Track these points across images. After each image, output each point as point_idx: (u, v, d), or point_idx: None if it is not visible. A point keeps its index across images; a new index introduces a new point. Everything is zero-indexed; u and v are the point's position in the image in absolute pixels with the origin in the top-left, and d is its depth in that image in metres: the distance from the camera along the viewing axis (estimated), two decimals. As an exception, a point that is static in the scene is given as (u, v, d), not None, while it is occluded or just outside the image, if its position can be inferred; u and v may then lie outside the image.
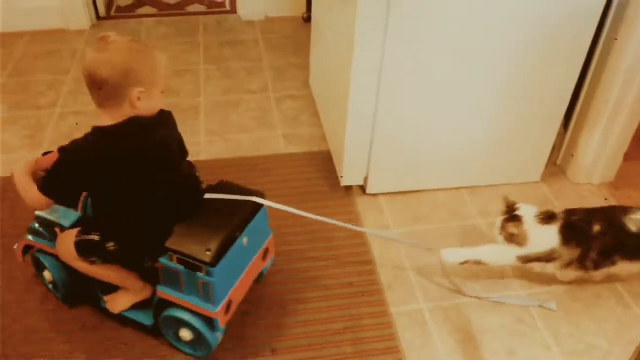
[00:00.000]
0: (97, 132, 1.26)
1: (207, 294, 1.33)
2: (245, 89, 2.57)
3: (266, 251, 1.55)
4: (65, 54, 2.81)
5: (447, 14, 1.61)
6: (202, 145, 2.22)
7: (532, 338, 1.54)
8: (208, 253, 1.28)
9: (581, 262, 1.55)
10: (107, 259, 1.37)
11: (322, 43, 2.24)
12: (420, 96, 1.76)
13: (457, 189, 2.02)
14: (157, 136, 1.32)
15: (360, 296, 1.63)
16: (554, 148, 2.02)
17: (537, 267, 1.60)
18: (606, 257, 1.54)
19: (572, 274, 1.61)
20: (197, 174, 1.52)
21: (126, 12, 3.24)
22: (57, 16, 2.97)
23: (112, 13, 3.22)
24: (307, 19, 3.13)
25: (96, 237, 1.35)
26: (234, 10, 3.25)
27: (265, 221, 1.52)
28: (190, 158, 2.13)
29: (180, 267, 1.32)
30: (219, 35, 3.02)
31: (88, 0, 3.00)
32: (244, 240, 1.39)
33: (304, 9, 3.15)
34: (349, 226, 1.63)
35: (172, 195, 1.35)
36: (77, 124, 2.31)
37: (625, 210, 1.55)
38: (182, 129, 2.17)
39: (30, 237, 1.53)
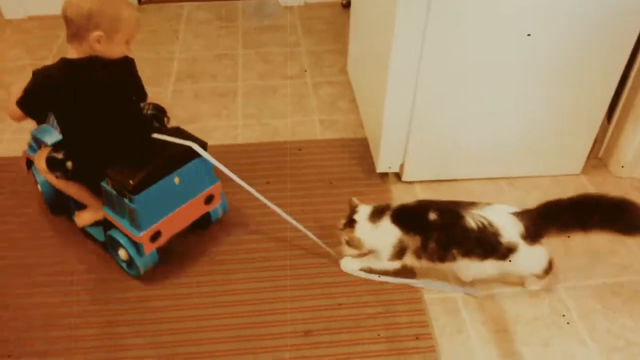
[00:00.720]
0: (61, 61, 1.47)
1: (132, 219, 1.52)
2: (282, 74, 2.58)
3: (210, 197, 1.69)
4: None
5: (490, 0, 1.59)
6: (239, 129, 2.24)
7: (567, 331, 1.52)
8: (131, 182, 1.46)
9: (426, 251, 1.52)
10: (67, 175, 1.59)
11: (360, 29, 2.23)
12: (459, 84, 1.74)
13: (494, 179, 2.00)
14: (107, 74, 1.49)
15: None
16: (596, 140, 1.98)
17: (407, 259, 1.57)
18: (445, 249, 1.50)
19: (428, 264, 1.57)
20: (166, 118, 1.74)
21: (167, -4, 3.28)
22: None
23: (154, -3, 3.27)
24: (346, 5, 3.11)
25: (60, 156, 1.58)
26: (272, -4, 3.27)
27: (207, 168, 1.64)
28: (227, 141, 2.18)
29: (113, 191, 1.52)
30: (257, 20, 3.04)
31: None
32: (174, 179, 1.56)
33: (343, -5, 3.15)
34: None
35: (116, 129, 1.55)
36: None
37: (468, 205, 1.50)
38: (220, 112, 2.22)
39: (28, 152, 1.78)
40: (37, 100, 1.47)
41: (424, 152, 1.90)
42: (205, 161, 1.59)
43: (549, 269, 1.56)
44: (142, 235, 1.53)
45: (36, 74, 1.45)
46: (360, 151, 2.12)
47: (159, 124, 1.71)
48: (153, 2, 3.21)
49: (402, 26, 1.60)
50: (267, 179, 1.98)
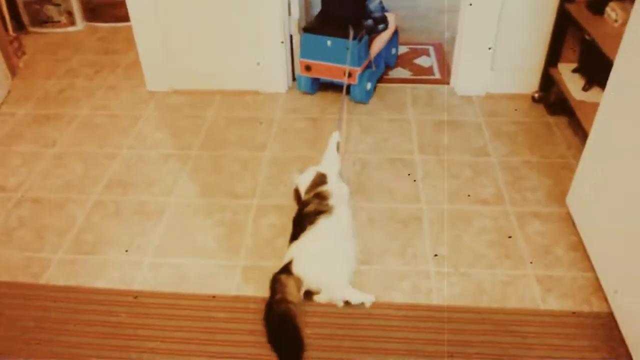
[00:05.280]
0: None
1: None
2: (475, 195, 2.05)
3: (349, 74, 2.45)
4: (262, 119, 2.51)
5: None
6: (432, 276, 1.73)
7: None
8: (306, 24, 2.58)
9: None
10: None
11: (616, 150, 1.67)
12: None
13: None
14: None
15: None
16: None
17: None
18: None
19: None
20: (382, 25, 2.64)
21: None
22: (255, 81, 2.70)
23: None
24: (538, 100, 2.57)
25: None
26: (444, 81, 2.77)
27: (353, 52, 2.42)
28: (419, 298, 1.86)
29: None
30: (431, 112, 2.55)
31: (288, 67, 2.71)
32: (328, 41, 2.47)
33: (535, 88, 2.60)
34: None
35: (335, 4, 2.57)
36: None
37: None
38: (404, 249, 1.93)
39: None
40: None
41: None
42: (352, 44, 2.41)
43: None
44: (301, 60, 2.56)
45: None
46: (601, 336, 1.54)
47: (372, 25, 2.57)
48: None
49: None
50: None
